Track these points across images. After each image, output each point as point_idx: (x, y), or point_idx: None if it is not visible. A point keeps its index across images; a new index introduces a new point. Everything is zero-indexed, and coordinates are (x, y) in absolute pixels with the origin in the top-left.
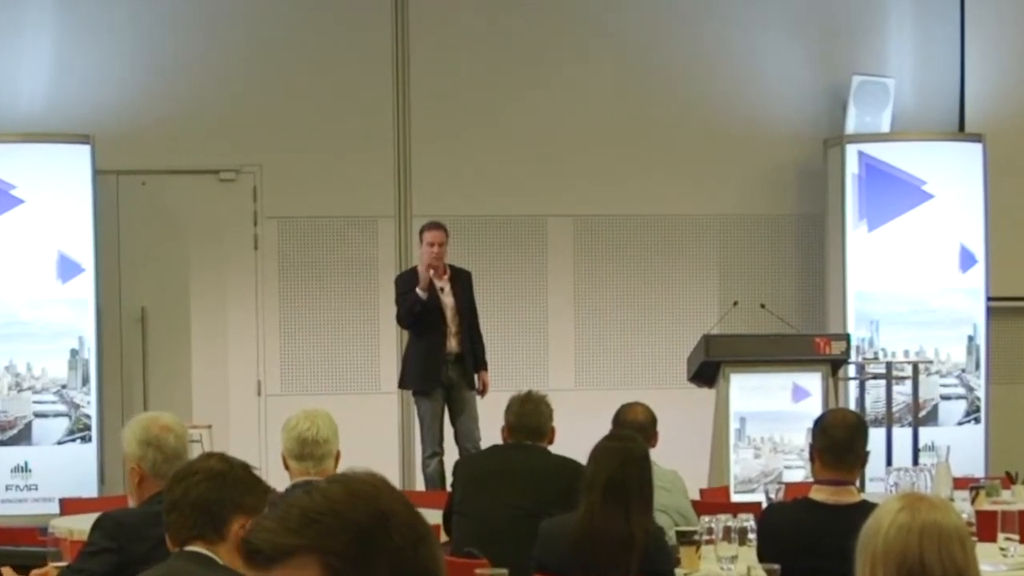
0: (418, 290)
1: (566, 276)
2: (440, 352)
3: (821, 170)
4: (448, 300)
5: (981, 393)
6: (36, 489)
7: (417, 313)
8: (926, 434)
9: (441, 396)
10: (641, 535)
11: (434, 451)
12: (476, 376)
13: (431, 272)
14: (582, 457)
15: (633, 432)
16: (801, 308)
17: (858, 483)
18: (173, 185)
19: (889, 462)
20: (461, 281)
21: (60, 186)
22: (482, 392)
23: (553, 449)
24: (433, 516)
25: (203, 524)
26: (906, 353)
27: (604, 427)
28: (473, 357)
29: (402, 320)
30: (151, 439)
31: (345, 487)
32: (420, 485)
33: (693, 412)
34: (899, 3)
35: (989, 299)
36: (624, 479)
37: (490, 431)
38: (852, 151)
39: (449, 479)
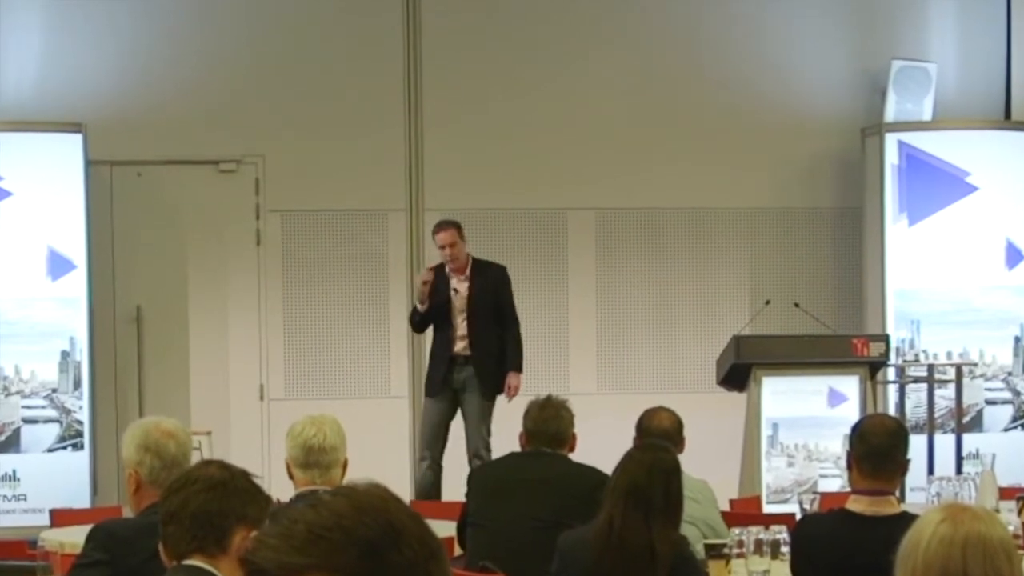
0: (416, 303)
1: (588, 273)
2: (444, 354)
3: (859, 161)
4: (459, 301)
5: None
6: (25, 500)
7: (418, 323)
8: (970, 441)
9: (447, 399)
10: (665, 549)
11: (423, 455)
12: (506, 379)
13: (448, 270)
14: (604, 465)
15: (663, 441)
16: (837, 307)
17: (898, 493)
18: (170, 176)
19: (931, 471)
20: (485, 277)
21: (50, 178)
22: (509, 395)
23: (574, 457)
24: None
25: (203, 536)
26: (949, 355)
27: (628, 433)
28: (496, 359)
29: (411, 327)
30: (150, 444)
31: (352, 501)
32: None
33: (723, 417)
34: None
35: None
36: (648, 488)
37: (508, 437)
38: (892, 140)
39: (445, 489)
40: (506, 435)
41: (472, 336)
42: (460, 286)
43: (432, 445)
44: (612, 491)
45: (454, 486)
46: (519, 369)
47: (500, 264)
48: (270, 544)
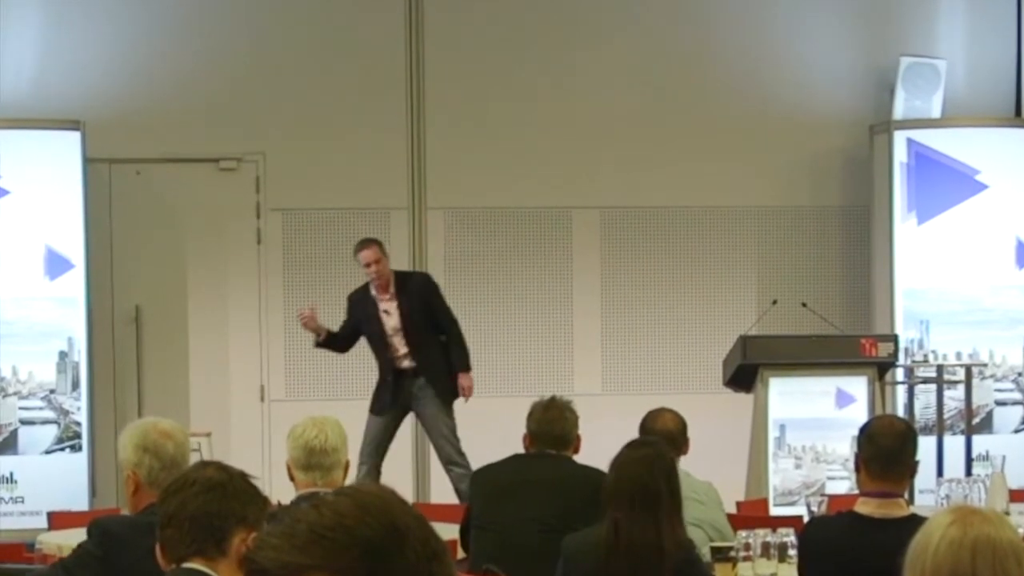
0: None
1: (592, 272)
2: (388, 377)
3: (867, 158)
4: (391, 321)
5: None
6: (22, 502)
7: (334, 348)
8: (980, 442)
9: (392, 415)
10: (672, 547)
11: (362, 460)
12: (457, 381)
13: (374, 290)
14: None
15: (659, 439)
16: (845, 307)
17: (907, 495)
18: (170, 174)
19: (940, 473)
20: (410, 289)
21: (48, 176)
22: (465, 396)
23: (578, 459)
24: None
25: (202, 539)
26: (958, 355)
27: (633, 435)
28: (444, 366)
29: None
30: (148, 445)
31: (354, 500)
32: (435, 497)
33: (729, 419)
34: None
35: None
36: (654, 485)
37: (512, 439)
38: (900, 138)
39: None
40: (509, 437)
41: (414, 351)
42: (389, 306)
43: (373, 454)
44: (615, 494)
45: (449, 490)
46: (467, 368)
47: (422, 272)
48: (272, 544)
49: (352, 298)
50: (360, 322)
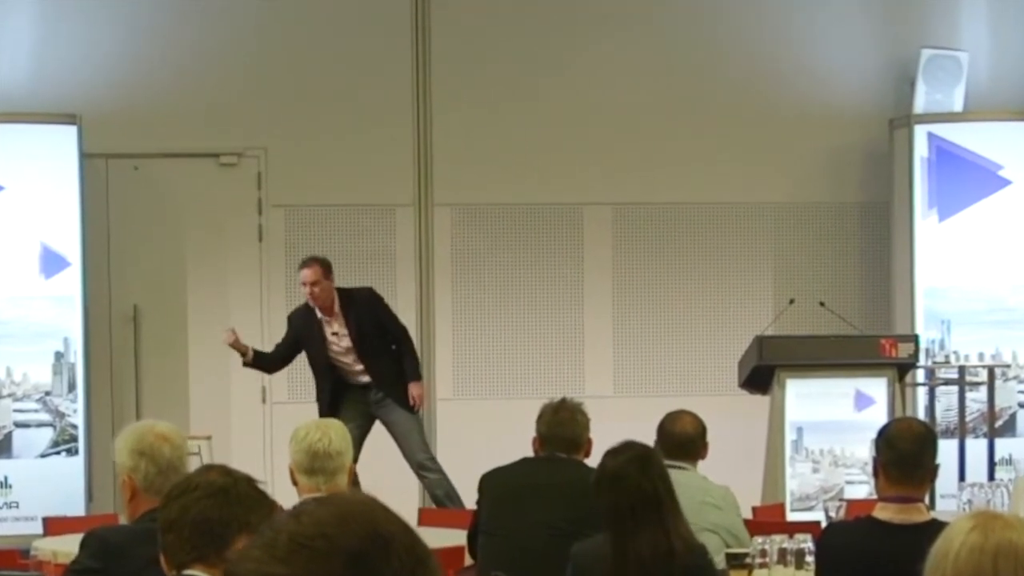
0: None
1: (604, 271)
2: (344, 395)
3: (887, 153)
4: (342, 343)
5: None
6: (17, 507)
7: (264, 368)
8: (1003, 446)
9: (358, 424)
10: (682, 549)
11: None
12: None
13: (319, 314)
14: None
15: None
16: (864, 306)
17: (927, 500)
18: (169, 170)
19: (962, 477)
20: (356, 307)
21: (44, 171)
22: (416, 406)
23: (590, 462)
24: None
25: (204, 545)
26: (981, 356)
27: (646, 438)
28: (394, 376)
29: None
30: (144, 449)
31: (336, 509)
32: None
33: (745, 421)
34: None
35: None
36: (652, 489)
37: (521, 442)
38: (921, 132)
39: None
40: (518, 440)
41: (369, 366)
42: (338, 329)
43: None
44: (613, 510)
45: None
46: (418, 378)
47: (364, 287)
48: (252, 556)
49: (293, 317)
50: (302, 341)
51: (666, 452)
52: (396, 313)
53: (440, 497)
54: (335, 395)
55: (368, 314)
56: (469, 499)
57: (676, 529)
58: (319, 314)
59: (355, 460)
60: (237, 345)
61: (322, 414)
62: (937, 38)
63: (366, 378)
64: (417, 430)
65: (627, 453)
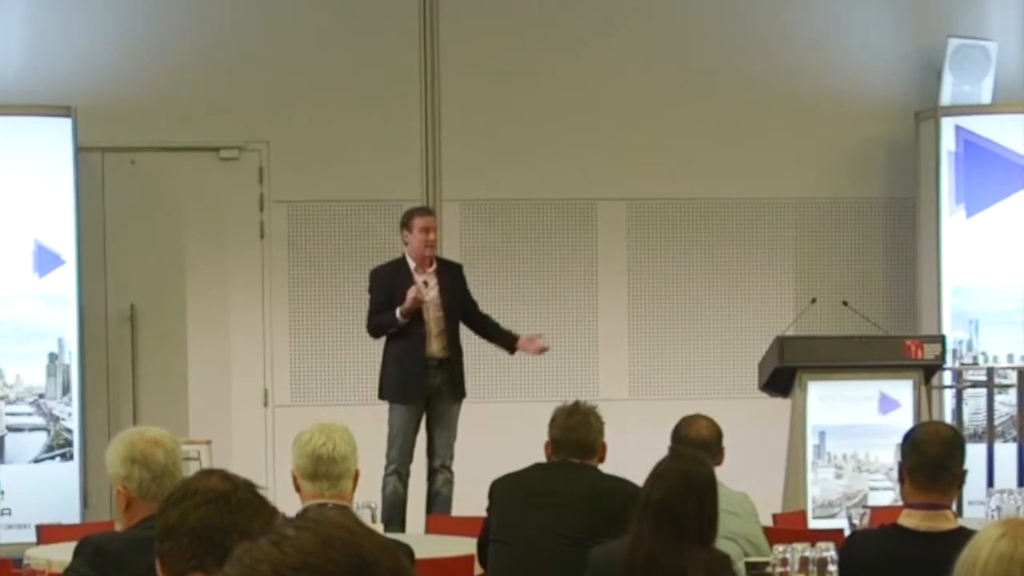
0: (399, 314)
1: (619, 269)
2: (419, 355)
3: (912, 147)
4: (432, 295)
5: None
6: (10, 514)
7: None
8: None
9: (420, 409)
10: (699, 572)
11: (396, 468)
12: (527, 345)
13: (411, 264)
14: (637, 477)
15: (698, 451)
16: (889, 306)
17: (954, 507)
18: (167, 164)
19: (991, 483)
20: (451, 275)
21: (37, 165)
22: (538, 348)
23: (604, 468)
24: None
25: (204, 554)
26: (1010, 358)
27: (662, 442)
28: (460, 361)
29: (370, 333)
30: (136, 455)
31: (318, 535)
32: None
33: (765, 425)
34: None
35: None
36: (681, 506)
37: (533, 447)
38: (948, 125)
39: (411, 503)
40: (530, 444)
41: (447, 338)
42: (429, 280)
43: (405, 461)
44: (643, 508)
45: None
46: (517, 336)
47: (458, 262)
48: None
49: (380, 272)
50: (393, 288)
51: None
52: None
53: (442, 497)
54: (405, 372)
55: (459, 285)
56: (478, 505)
57: (694, 555)
58: (411, 264)
59: (410, 462)
60: (418, 300)
61: (409, 391)
62: (964, 27)
63: (439, 347)
64: (453, 432)
65: (680, 463)
